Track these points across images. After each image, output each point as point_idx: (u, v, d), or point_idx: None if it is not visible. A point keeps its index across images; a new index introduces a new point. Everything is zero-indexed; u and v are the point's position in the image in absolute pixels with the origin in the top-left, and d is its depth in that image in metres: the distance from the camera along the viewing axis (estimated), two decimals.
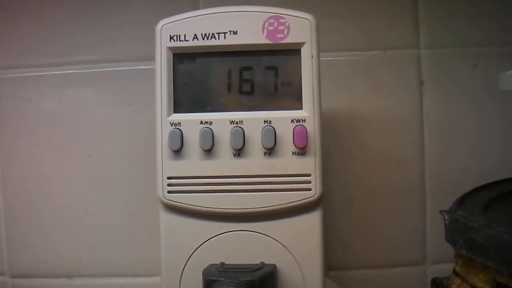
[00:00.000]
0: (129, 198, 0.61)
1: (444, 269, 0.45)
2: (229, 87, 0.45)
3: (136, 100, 0.61)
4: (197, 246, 0.44)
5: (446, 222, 0.42)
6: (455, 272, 0.43)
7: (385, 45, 0.60)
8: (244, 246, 0.44)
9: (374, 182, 0.60)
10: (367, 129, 0.60)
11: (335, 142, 0.59)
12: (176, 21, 0.45)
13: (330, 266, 0.60)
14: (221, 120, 0.44)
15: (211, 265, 0.43)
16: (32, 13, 0.62)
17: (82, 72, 0.61)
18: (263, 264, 0.43)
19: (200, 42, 0.44)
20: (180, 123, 0.44)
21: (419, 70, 0.60)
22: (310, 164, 0.43)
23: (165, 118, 0.44)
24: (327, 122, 0.55)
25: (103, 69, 0.61)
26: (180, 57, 0.45)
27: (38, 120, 0.62)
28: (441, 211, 0.43)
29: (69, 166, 0.61)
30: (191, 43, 0.44)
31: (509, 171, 0.53)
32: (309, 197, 0.44)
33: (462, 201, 0.46)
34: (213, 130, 0.44)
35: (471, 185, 0.49)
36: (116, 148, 0.61)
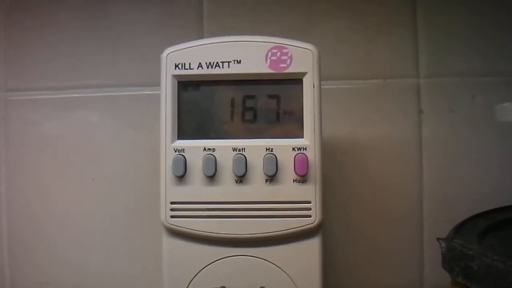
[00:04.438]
0: (132, 221, 0.61)
1: None
2: (232, 115, 0.46)
3: (140, 125, 0.62)
4: (199, 270, 0.45)
5: (443, 249, 0.43)
6: None
7: (385, 74, 0.61)
8: (245, 271, 0.45)
9: (373, 209, 0.60)
10: (367, 156, 0.61)
11: (336, 168, 0.60)
12: (181, 49, 0.46)
13: None
14: (224, 147, 0.45)
15: None
16: (41, 39, 0.63)
17: (87, 96, 0.63)
18: None
19: (204, 71, 0.45)
20: (183, 149, 0.45)
21: (418, 99, 0.61)
22: (310, 192, 0.44)
23: (169, 144, 0.45)
24: (328, 148, 0.56)
25: (108, 94, 0.62)
26: (184, 84, 0.46)
27: (43, 142, 0.63)
28: (438, 239, 0.44)
29: (73, 188, 0.62)
30: (195, 71, 0.45)
31: (506, 199, 0.54)
32: (309, 224, 0.44)
33: (459, 229, 0.47)
34: (216, 156, 0.44)
35: (469, 213, 0.50)
36: (119, 172, 0.62)
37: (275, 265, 0.45)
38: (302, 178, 0.44)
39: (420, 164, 0.60)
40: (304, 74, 0.45)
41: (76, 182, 0.62)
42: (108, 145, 0.62)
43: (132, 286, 0.62)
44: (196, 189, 0.45)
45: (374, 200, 0.60)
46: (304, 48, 0.45)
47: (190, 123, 0.46)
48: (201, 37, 0.61)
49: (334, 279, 0.60)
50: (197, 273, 0.45)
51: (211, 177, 0.45)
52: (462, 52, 0.61)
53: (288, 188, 0.44)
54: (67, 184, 0.62)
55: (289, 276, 0.45)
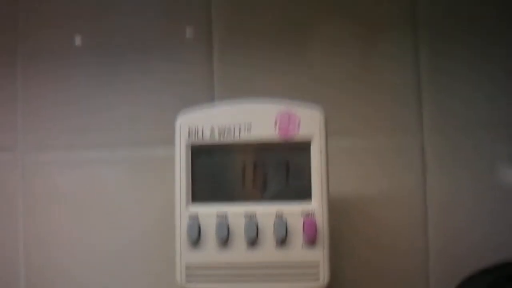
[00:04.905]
0: (147, 282, 0.63)
1: None
2: (243, 181, 0.48)
3: (152, 184, 0.64)
4: None
5: None
6: None
7: (391, 131, 0.63)
8: None
9: (379, 265, 0.61)
10: (373, 211, 0.62)
11: (342, 224, 0.61)
12: (194, 116, 0.48)
13: None
14: (236, 213, 0.47)
15: None
16: (55, 98, 0.66)
17: (101, 154, 0.65)
18: None
19: (216, 139, 0.47)
20: (197, 215, 0.47)
21: (423, 154, 0.62)
22: (318, 254, 0.46)
23: (183, 209, 0.47)
24: (334, 204, 0.58)
25: (120, 153, 0.65)
26: (197, 151, 0.48)
27: (59, 199, 0.65)
28: None
29: (88, 246, 0.64)
30: (208, 139, 0.47)
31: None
32: (318, 286, 0.46)
33: (463, 285, 0.48)
34: (228, 222, 0.46)
35: (474, 267, 0.51)
36: (134, 231, 0.64)
37: None
38: (311, 242, 0.46)
39: (425, 218, 0.62)
40: (311, 138, 0.47)
41: (92, 239, 0.64)
42: (124, 205, 0.64)
43: None
44: (210, 253, 0.47)
45: (380, 259, 0.61)
46: (312, 112, 0.47)
47: (203, 188, 0.48)
48: (212, 94, 0.64)
49: None
50: None
51: (224, 242, 0.46)
52: (463, 106, 0.63)
53: (297, 251, 0.46)
54: (83, 241, 0.64)
55: None
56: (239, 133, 0.47)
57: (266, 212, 0.47)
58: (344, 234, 0.61)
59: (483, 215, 0.61)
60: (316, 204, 0.47)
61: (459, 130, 0.62)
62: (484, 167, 0.61)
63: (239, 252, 0.46)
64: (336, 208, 0.55)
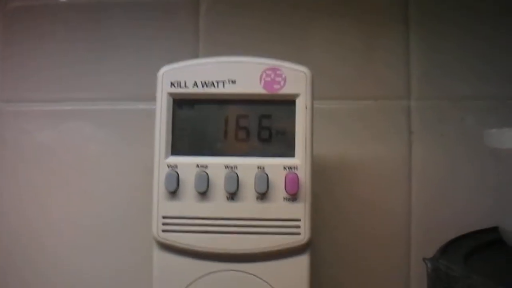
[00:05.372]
0: (123, 235, 0.62)
1: None
2: (225, 133, 0.47)
3: (134, 139, 0.63)
4: (189, 284, 0.46)
5: (429, 270, 0.44)
6: None
7: (378, 94, 0.62)
8: (234, 286, 0.46)
9: (361, 228, 0.61)
10: (357, 174, 0.62)
11: (326, 186, 0.61)
12: (177, 68, 0.47)
13: None
14: (216, 165, 0.46)
15: None
16: (36, 50, 0.64)
17: (81, 108, 0.64)
18: None
19: (199, 90, 0.46)
20: (177, 166, 0.46)
21: (409, 120, 0.62)
22: (300, 210, 0.45)
23: (162, 160, 0.46)
24: (319, 166, 0.57)
25: (102, 107, 0.64)
26: (179, 102, 0.47)
27: (37, 152, 0.64)
28: (424, 259, 0.45)
29: (63, 200, 0.63)
30: (191, 90, 0.46)
31: (494, 221, 0.55)
32: (298, 241, 0.45)
33: (445, 249, 0.48)
34: (208, 173, 0.45)
35: (456, 234, 0.51)
36: (111, 184, 0.63)
37: (264, 280, 0.46)
38: (293, 197, 0.45)
39: (409, 183, 0.61)
40: (297, 95, 0.46)
41: (67, 193, 0.63)
42: (101, 158, 0.63)
43: None
44: (188, 204, 0.46)
45: (362, 219, 0.61)
46: (298, 70, 0.46)
47: (184, 140, 0.47)
48: (196, 54, 0.63)
49: None
50: (188, 286, 0.46)
51: (203, 194, 0.45)
52: (451, 76, 0.62)
53: (278, 206, 0.45)
54: (58, 195, 0.63)
55: None
56: (223, 86, 0.46)
57: (247, 165, 0.46)
58: (327, 194, 0.61)
59: (467, 181, 0.61)
60: (299, 160, 0.46)
61: (446, 98, 0.62)
62: (470, 135, 0.61)
63: (218, 204, 0.46)
64: (320, 169, 0.55)
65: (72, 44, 0.64)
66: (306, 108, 0.46)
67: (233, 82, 0.46)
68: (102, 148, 0.63)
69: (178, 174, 0.45)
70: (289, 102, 0.46)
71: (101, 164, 0.63)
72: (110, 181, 0.63)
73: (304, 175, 0.45)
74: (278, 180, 0.45)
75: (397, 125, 0.62)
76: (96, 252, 0.63)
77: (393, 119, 0.62)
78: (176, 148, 0.46)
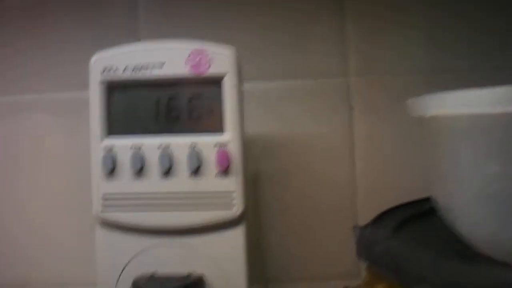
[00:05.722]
0: (71, 216, 0.65)
1: None
2: (157, 115, 0.49)
3: (75, 125, 0.65)
4: (131, 258, 0.49)
5: (356, 237, 0.46)
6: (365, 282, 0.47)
7: (316, 73, 0.64)
8: (174, 259, 0.48)
9: (310, 200, 0.64)
10: (303, 150, 0.64)
11: (271, 163, 0.64)
12: (108, 54, 0.49)
13: (268, 279, 0.64)
14: (150, 145, 0.48)
15: (141, 275, 0.47)
16: None
17: (28, 99, 0.66)
18: (190, 274, 0.47)
19: (130, 75, 0.48)
20: (113, 147, 0.48)
21: (348, 97, 0.64)
22: (232, 184, 0.48)
23: (98, 143, 0.48)
24: (260, 145, 0.60)
25: (48, 97, 0.66)
26: (112, 87, 0.49)
27: None
28: (354, 227, 0.47)
29: (15, 186, 0.66)
30: (122, 75, 0.48)
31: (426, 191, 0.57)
32: (232, 214, 0.48)
33: (379, 218, 0.50)
34: (143, 153, 0.48)
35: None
36: (59, 169, 0.66)
37: (203, 252, 0.48)
38: (224, 172, 0.48)
39: (353, 157, 0.64)
40: (223, 75, 0.48)
41: (20, 177, 0.66)
42: (51, 146, 0.66)
43: (69, 275, 0.65)
44: (125, 183, 0.48)
45: (310, 190, 0.64)
46: (223, 50, 0.49)
47: (118, 123, 0.49)
48: (138, 38, 0.65)
49: (272, 267, 0.63)
50: (129, 262, 0.48)
51: (139, 172, 0.48)
52: (390, 51, 0.64)
53: (211, 181, 0.48)
54: (11, 181, 0.66)
55: (215, 263, 0.48)
56: (152, 70, 0.48)
57: (180, 143, 0.48)
58: (273, 171, 0.63)
59: (409, 152, 0.63)
60: (229, 136, 0.48)
61: (387, 74, 0.64)
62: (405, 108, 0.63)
63: (153, 182, 0.48)
64: (261, 148, 0.57)
65: (15, 35, 0.67)
66: (232, 87, 0.48)
67: (162, 65, 0.48)
68: (51, 137, 0.66)
69: (114, 155, 0.48)
70: (216, 82, 0.48)
71: (49, 150, 0.66)
72: (58, 165, 0.66)
73: (234, 150, 0.48)
74: (209, 157, 0.48)
75: (337, 102, 0.64)
76: (44, 234, 0.66)
77: (333, 96, 0.64)
78: (112, 130, 0.49)
